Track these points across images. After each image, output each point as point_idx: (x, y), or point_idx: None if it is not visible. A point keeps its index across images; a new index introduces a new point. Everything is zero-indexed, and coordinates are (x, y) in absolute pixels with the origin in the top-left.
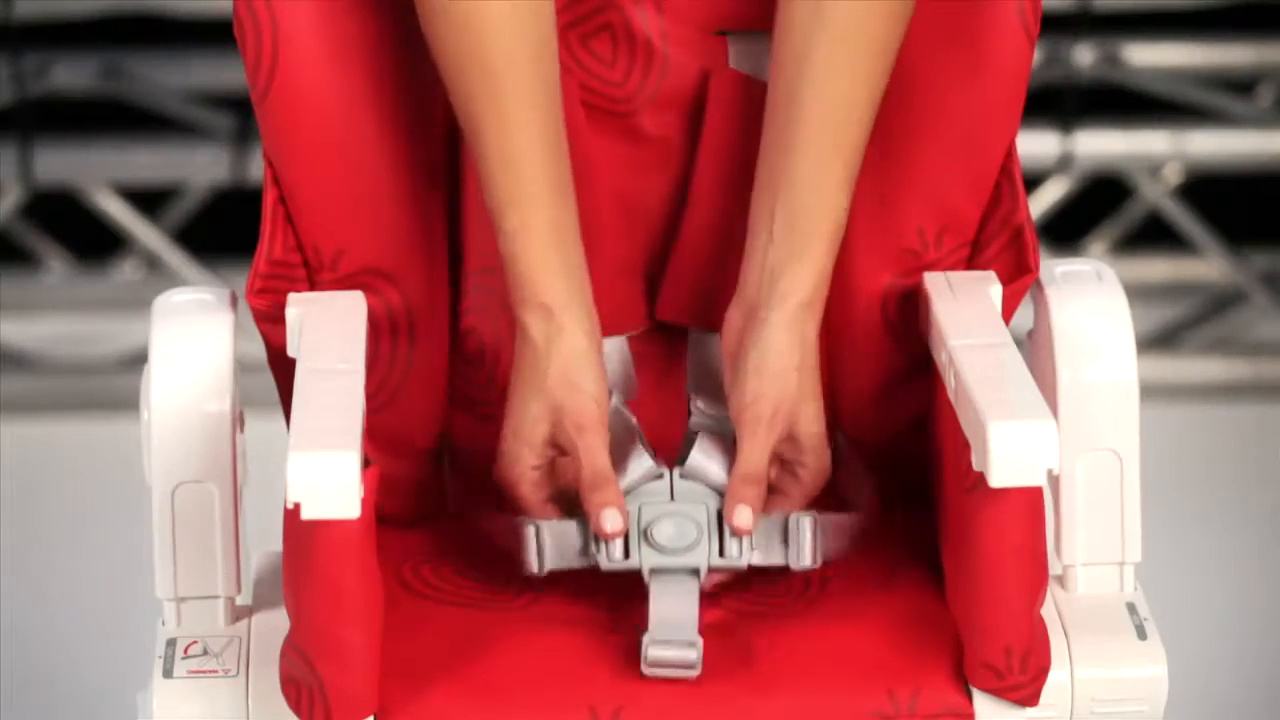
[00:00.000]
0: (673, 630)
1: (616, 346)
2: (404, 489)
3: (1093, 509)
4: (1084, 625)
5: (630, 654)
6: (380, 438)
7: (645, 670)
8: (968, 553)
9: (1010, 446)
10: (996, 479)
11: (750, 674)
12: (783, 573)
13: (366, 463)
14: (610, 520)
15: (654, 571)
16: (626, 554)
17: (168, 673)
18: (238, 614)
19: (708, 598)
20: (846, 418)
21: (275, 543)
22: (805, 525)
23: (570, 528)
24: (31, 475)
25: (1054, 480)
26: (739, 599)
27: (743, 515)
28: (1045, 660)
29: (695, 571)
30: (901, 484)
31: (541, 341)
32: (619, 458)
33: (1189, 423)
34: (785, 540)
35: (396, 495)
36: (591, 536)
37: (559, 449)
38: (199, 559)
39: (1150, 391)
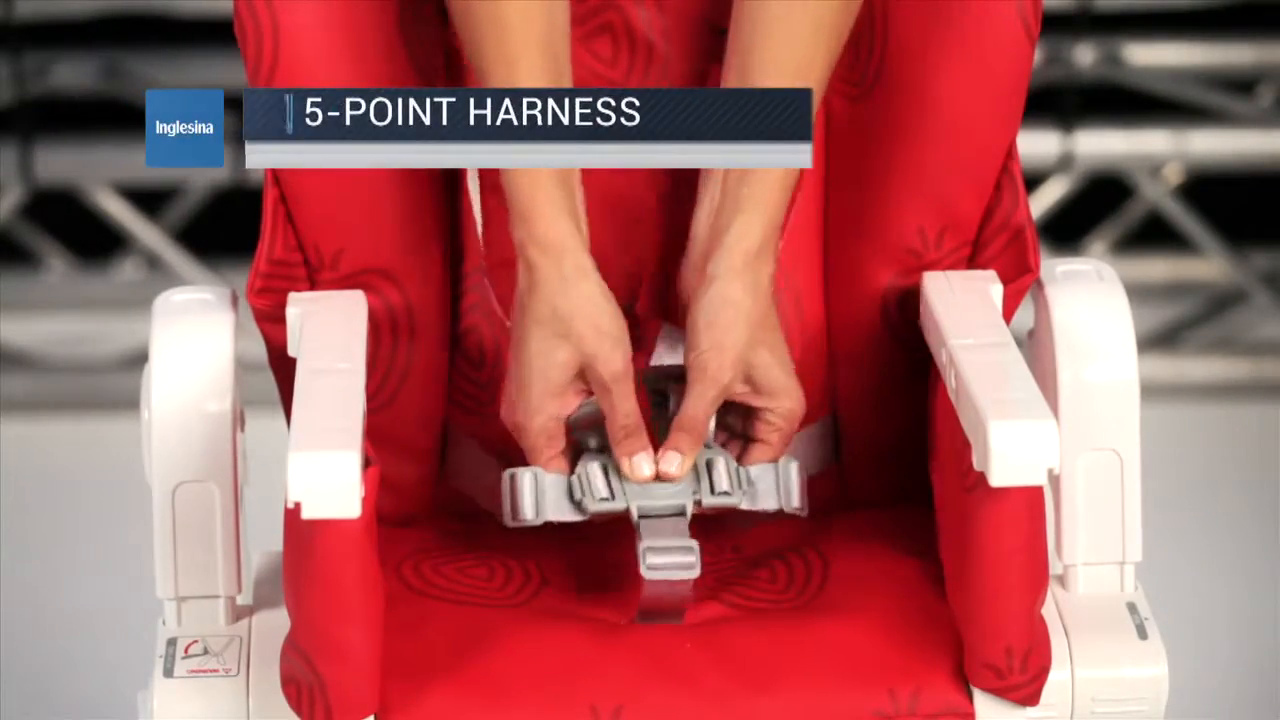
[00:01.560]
0: (668, 537)
1: None
2: (404, 488)
3: (1093, 508)
4: (1084, 625)
5: (631, 653)
6: (380, 437)
7: (646, 574)
8: (968, 552)
9: (1011, 446)
10: (997, 478)
11: (750, 673)
12: (784, 569)
13: (367, 462)
14: (642, 465)
15: (642, 516)
16: (611, 495)
17: (168, 672)
18: (238, 613)
19: (708, 594)
20: (847, 417)
21: (276, 543)
22: (793, 470)
23: (560, 479)
24: (31, 475)
25: (1054, 480)
26: (739, 596)
27: (670, 460)
28: (1046, 660)
29: (681, 513)
30: (902, 483)
31: (555, 280)
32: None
33: (1189, 423)
34: (776, 486)
35: (396, 495)
36: (577, 485)
37: (585, 391)
38: (199, 559)
39: (1150, 391)
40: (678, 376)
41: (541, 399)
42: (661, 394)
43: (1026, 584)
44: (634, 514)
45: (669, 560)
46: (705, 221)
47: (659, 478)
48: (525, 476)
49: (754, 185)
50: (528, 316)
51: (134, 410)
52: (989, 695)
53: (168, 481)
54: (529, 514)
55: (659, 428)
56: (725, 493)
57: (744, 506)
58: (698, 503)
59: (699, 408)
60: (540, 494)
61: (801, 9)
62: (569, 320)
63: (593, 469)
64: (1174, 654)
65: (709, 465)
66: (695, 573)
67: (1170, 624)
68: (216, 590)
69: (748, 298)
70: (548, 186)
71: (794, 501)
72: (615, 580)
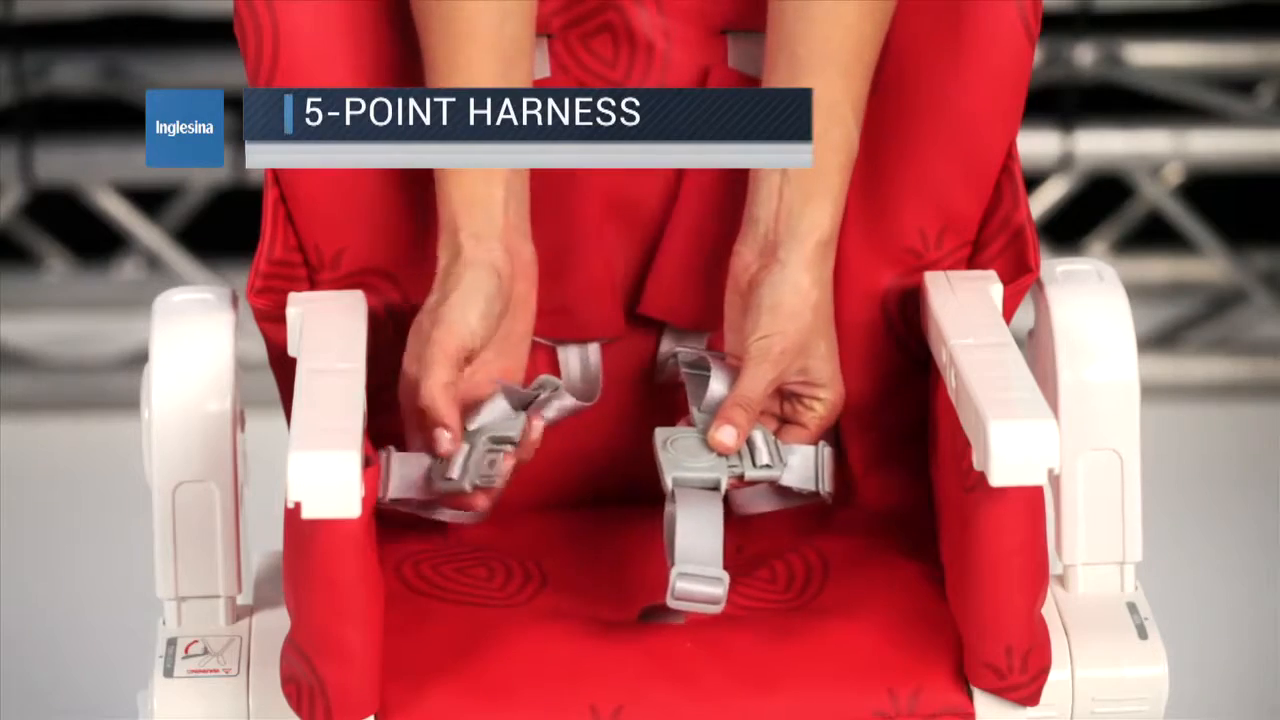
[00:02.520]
0: (700, 564)
1: (588, 351)
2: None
3: (1093, 508)
4: (1085, 625)
5: (631, 652)
6: (381, 437)
7: (670, 602)
8: (968, 552)
9: (1011, 446)
10: (997, 478)
11: (750, 673)
12: (785, 569)
13: (367, 462)
14: (442, 441)
15: (677, 483)
16: (459, 477)
17: (168, 672)
18: (238, 613)
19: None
20: (847, 417)
21: (276, 542)
22: (828, 454)
23: (408, 459)
24: (31, 475)
25: (1055, 480)
26: (739, 596)
27: (726, 433)
28: (1046, 660)
29: (715, 486)
30: (902, 483)
31: (443, 267)
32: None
33: (1189, 423)
34: (815, 468)
35: None
36: (439, 466)
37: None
38: (200, 559)
39: (1150, 391)
40: (716, 357)
41: (405, 365)
42: (701, 371)
43: (1026, 584)
44: (668, 484)
45: (697, 590)
46: (769, 204)
47: (712, 448)
48: (381, 454)
49: (823, 172)
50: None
51: (134, 410)
52: (989, 695)
53: (168, 481)
54: (380, 492)
55: (697, 404)
56: (767, 465)
57: (784, 481)
58: (740, 476)
59: (757, 388)
60: (387, 474)
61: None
62: (432, 299)
63: (464, 449)
64: (1174, 654)
65: (749, 440)
66: (719, 607)
67: (1170, 624)
68: (216, 590)
69: (815, 288)
70: (469, 180)
71: (827, 485)
72: (616, 580)
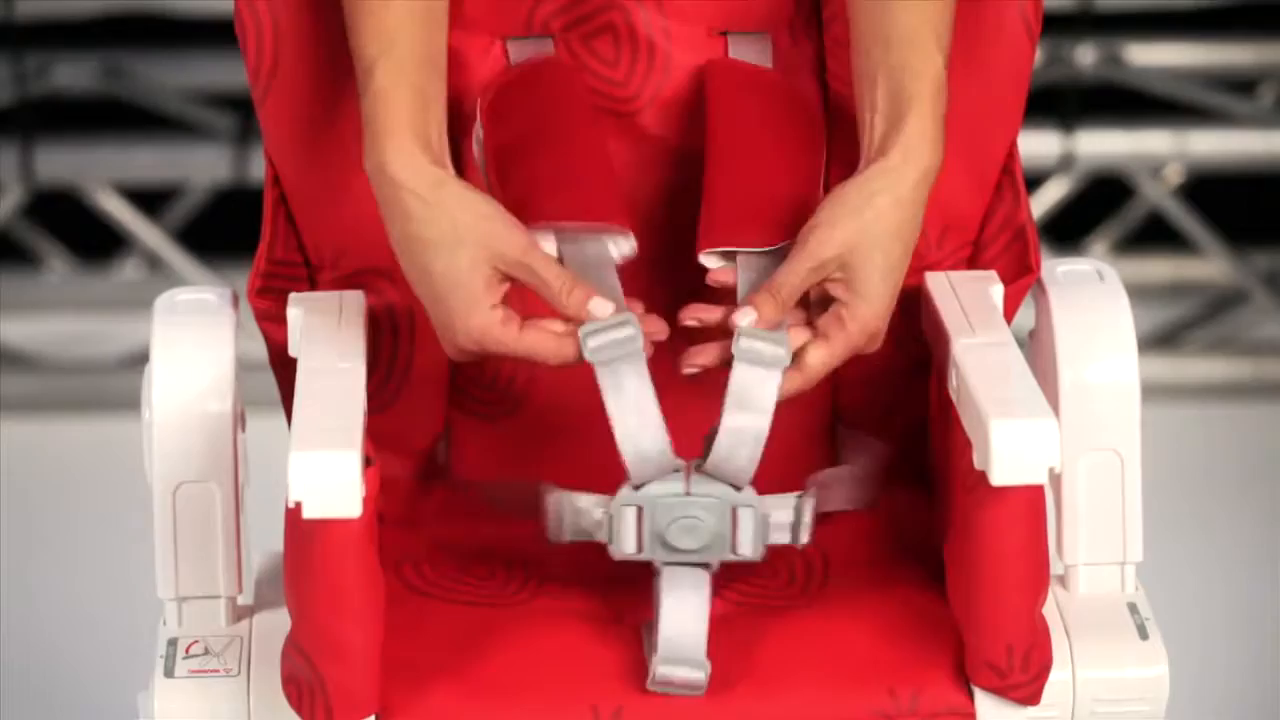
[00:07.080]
0: (682, 648)
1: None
2: (404, 488)
3: (1094, 508)
4: (1085, 625)
5: (632, 653)
6: (381, 437)
7: (650, 686)
8: (969, 551)
9: (1012, 445)
10: (998, 477)
11: (751, 671)
12: (785, 567)
13: (368, 462)
14: (599, 306)
15: (667, 563)
16: (640, 548)
17: (169, 672)
18: (239, 614)
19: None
20: (848, 416)
21: (277, 543)
22: (808, 508)
23: (590, 501)
24: (31, 475)
25: (1055, 479)
26: (740, 594)
27: (743, 314)
28: (1047, 659)
29: (706, 565)
30: (902, 483)
31: (428, 191)
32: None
33: (1189, 423)
34: (795, 521)
35: (397, 494)
36: (605, 525)
37: (505, 278)
38: (200, 559)
39: (1151, 391)
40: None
41: (470, 307)
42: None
43: (1027, 583)
44: (657, 562)
45: (678, 676)
46: (868, 138)
47: (729, 324)
48: (551, 499)
49: (904, 99)
50: (404, 239)
51: (135, 410)
52: (990, 695)
53: (168, 481)
54: (553, 535)
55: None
56: (746, 553)
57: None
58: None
59: (790, 277)
60: (561, 519)
61: None
62: (455, 223)
63: (626, 515)
64: (1174, 654)
65: (733, 518)
66: (700, 693)
67: (1171, 624)
68: (217, 590)
69: (883, 196)
70: (413, 106)
71: (803, 538)
72: (616, 580)
